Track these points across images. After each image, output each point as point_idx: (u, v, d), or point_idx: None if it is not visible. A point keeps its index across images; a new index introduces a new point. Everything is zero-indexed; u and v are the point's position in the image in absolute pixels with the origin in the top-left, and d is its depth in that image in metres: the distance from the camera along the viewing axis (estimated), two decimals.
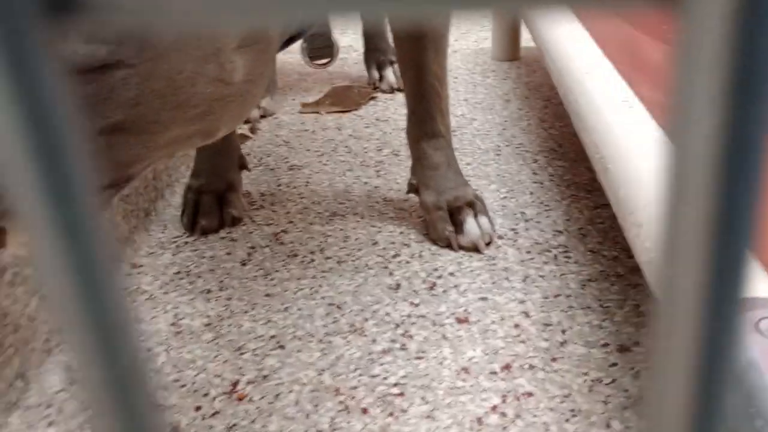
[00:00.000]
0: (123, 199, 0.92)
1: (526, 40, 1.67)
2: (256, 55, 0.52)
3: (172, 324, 0.80)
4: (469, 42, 1.78)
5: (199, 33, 0.47)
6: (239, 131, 1.23)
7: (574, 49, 0.83)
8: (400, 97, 1.43)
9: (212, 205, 0.96)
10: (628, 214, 0.52)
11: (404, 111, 1.36)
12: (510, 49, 1.61)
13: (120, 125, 0.47)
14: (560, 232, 0.93)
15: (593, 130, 0.65)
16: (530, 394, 0.67)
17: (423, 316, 0.79)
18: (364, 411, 0.66)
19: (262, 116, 1.34)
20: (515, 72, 1.54)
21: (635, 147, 0.58)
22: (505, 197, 1.02)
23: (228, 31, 0.49)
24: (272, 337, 0.77)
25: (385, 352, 0.74)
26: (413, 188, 0.95)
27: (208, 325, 0.79)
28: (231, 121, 0.54)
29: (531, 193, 1.03)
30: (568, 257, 0.88)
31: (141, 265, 0.90)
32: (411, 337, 0.76)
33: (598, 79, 0.74)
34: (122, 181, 0.52)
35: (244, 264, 0.90)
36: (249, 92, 0.53)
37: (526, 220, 0.96)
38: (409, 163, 1.13)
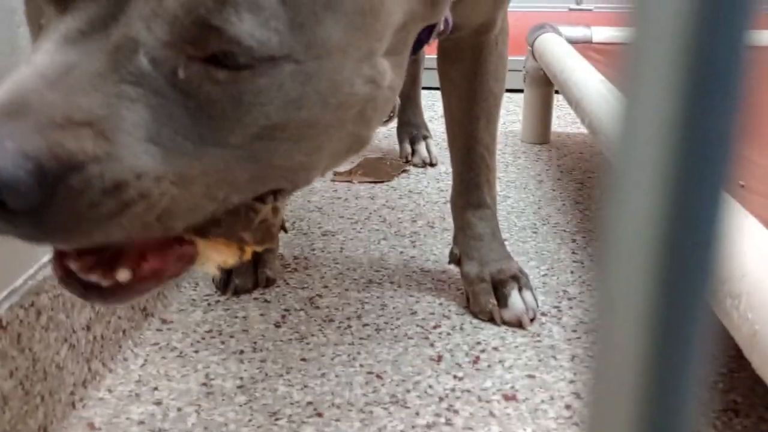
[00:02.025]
0: None
1: (555, 125, 1.68)
2: (397, 64, 0.51)
3: (203, 384, 0.76)
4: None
5: (359, 33, 0.46)
6: None
7: None
8: (432, 172, 1.42)
9: (247, 265, 0.93)
10: (719, 285, 0.49)
11: (437, 185, 1.36)
12: (541, 132, 1.61)
13: (280, 129, 0.44)
14: None
15: None
16: None
17: (468, 391, 0.75)
18: None
19: None
20: (546, 154, 1.53)
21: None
22: (545, 274, 0.99)
23: (383, 33, 0.48)
24: (309, 403, 0.73)
25: (429, 426, 0.70)
26: (455, 258, 0.93)
27: (240, 387, 0.75)
28: (376, 127, 0.52)
29: (572, 272, 1.00)
30: None
31: (171, 321, 0.87)
32: (456, 412, 0.72)
33: None
34: (284, 191, 0.49)
35: (278, 326, 0.86)
36: (390, 99, 0.51)
37: (569, 299, 0.93)
38: (445, 235, 1.11)
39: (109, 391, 0.74)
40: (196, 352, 0.81)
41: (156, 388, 0.75)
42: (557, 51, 1.33)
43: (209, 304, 0.91)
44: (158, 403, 0.73)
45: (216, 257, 0.47)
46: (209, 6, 0.39)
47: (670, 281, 0.15)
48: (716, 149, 0.14)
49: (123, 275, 0.43)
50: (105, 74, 0.40)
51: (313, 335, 0.84)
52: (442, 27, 0.65)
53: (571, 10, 1.73)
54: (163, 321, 0.87)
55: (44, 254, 0.68)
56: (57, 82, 0.39)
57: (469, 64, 0.86)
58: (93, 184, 0.38)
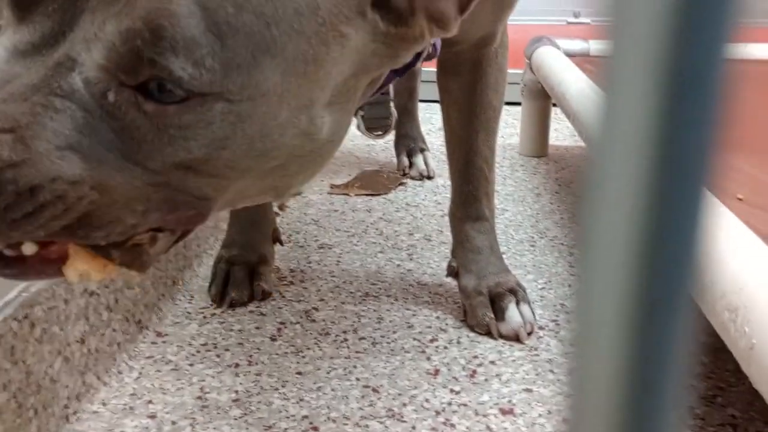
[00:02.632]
0: (153, 265, 0.88)
1: (553, 138, 1.68)
2: (341, 115, 0.50)
3: (198, 397, 0.75)
4: None
5: (299, 80, 0.45)
6: None
7: None
8: (430, 184, 1.42)
9: (243, 278, 0.93)
10: (718, 298, 0.48)
11: (434, 198, 1.36)
12: (538, 146, 1.61)
13: (198, 163, 0.44)
14: None
15: None
16: None
17: (465, 405, 0.74)
18: None
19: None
20: (544, 168, 1.53)
21: (714, 229, 0.55)
22: (543, 288, 0.99)
23: (327, 83, 0.47)
24: (305, 417, 0.72)
25: None
26: (453, 271, 0.92)
27: (236, 400, 0.75)
28: (303, 182, 0.51)
29: (570, 286, 0.99)
30: None
31: (166, 334, 0.86)
32: (453, 426, 0.71)
33: None
34: (180, 225, 0.49)
35: (274, 339, 0.86)
36: (328, 153, 0.51)
37: (567, 313, 0.92)
38: (442, 248, 1.11)
39: (104, 404, 0.74)
40: (191, 365, 0.80)
41: (150, 402, 0.74)
42: (555, 64, 1.33)
43: (204, 317, 0.90)
44: (153, 416, 0.72)
45: (79, 265, 0.46)
46: (146, 38, 0.41)
47: (650, 285, 0.15)
48: (693, 160, 0.14)
49: (29, 249, 0.45)
50: (38, 86, 0.42)
51: (309, 348, 0.84)
52: (430, 50, 0.64)
53: (569, 23, 1.73)
54: (158, 334, 0.86)
55: None
56: None
57: (469, 77, 0.86)
58: (7, 187, 0.40)
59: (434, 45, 0.65)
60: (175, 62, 0.41)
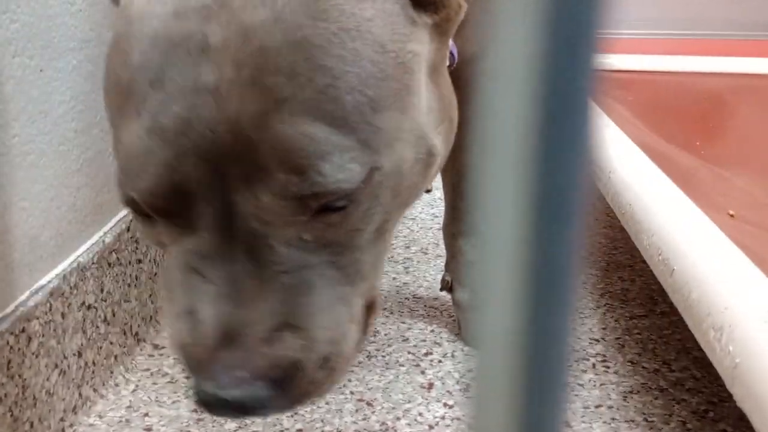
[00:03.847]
0: (151, 277, 0.89)
1: None
2: (447, 134, 0.54)
3: (194, 410, 0.76)
4: None
5: (406, 115, 0.49)
6: None
7: (620, 153, 0.83)
8: (427, 198, 1.42)
9: None
10: (704, 316, 0.49)
11: (431, 211, 1.36)
12: None
13: (372, 236, 0.49)
14: (597, 340, 0.90)
15: (652, 232, 0.63)
16: None
17: (459, 419, 0.75)
18: None
19: None
20: None
21: (702, 246, 0.56)
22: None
23: (424, 103, 0.51)
24: (299, 431, 0.73)
25: None
26: (447, 285, 0.93)
27: None
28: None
29: None
30: (607, 367, 0.84)
31: (163, 347, 0.87)
32: None
33: (650, 182, 0.72)
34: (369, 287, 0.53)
35: None
36: (438, 167, 0.55)
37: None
38: (438, 262, 1.11)
39: (100, 417, 0.75)
40: (188, 378, 0.81)
41: (147, 414, 0.75)
42: None
43: None
44: (149, 429, 0.73)
45: None
46: (298, 183, 0.43)
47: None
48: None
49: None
50: (257, 273, 0.45)
51: None
52: (448, 61, 0.66)
53: None
54: (155, 346, 0.87)
55: (34, 281, 0.68)
56: (231, 298, 0.45)
57: (462, 93, 0.87)
58: (308, 368, 0.46)
59: (452, 54, 0.67)
60: (327, 182, 0.44)
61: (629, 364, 0.85)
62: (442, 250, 1.04)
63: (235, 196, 0.45)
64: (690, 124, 1.06)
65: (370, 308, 0.53)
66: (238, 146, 0.44)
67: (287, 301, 0.46)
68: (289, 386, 0.45)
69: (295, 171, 0.43)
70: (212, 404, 0.44)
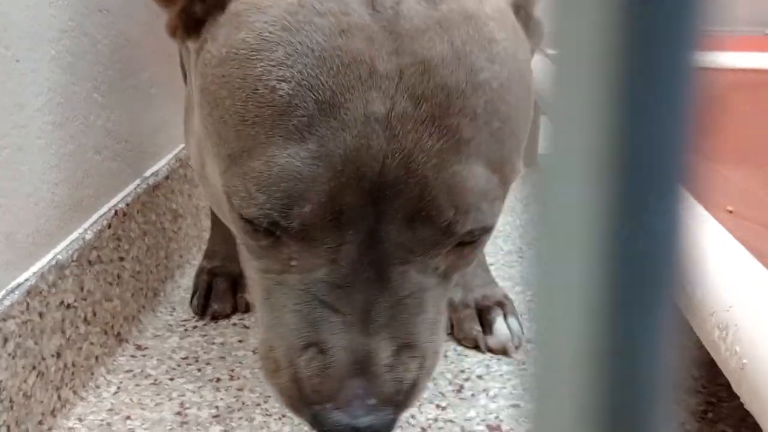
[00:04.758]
0: (133, 276, 0.87)
1: (543, 147, 1.66)
2: None
3: (178, 413, 0.73)
4: None
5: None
6: None
7: None
8: None
9: (226, 289, 0.91)
10: (707, 315, 0.47)
11: None
12: (528, 155, 1.60)
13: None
14: None
15: None
16: None
17: (451, 421, 0.73)
18: None
19: None
20: (533, 178, 1.52)
21: (704, 243, 0.54)
22: (531, 300, 0.97)
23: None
24: None
25: None
26: None
27: (216, 416, 0.73)
28: None
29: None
30: None
31: (146, 348, 0.84)
32: None
33: None
34: None
35: (257, 353, 0.84)
36: None
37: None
38: None
39: (80, 420, 0.72)
40: (171, 379, 0.79)
41: (129, 417, 0.72)
42: (544, 72, 1.32)
43: (186, 330, 0.88)
44: None
45: None
46: (460, 221, 0.45)
47: (621, 290, 0.14)
48: (659, 161, 0.13)
49: None
50: (385, 300, 0.47)
51: None
52: None
53: None
54: (138, 347, 0.84)
55: (11, 280, 0.66)
56: (360, 327, 0.46)
57: None
58: (422, 384, 0.50)
59: None
60: (483, 218, 0.46)
61: None
62: None
63: (389, 226, 0.45)
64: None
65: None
66: (409, 180, 0.44)
67: (407, 322, 0.48)
68: (407, 403, 0.49)
69: (462, 210, 0.45)
70: None
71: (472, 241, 0.48)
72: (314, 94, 0.43)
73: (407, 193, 0.44)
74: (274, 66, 0.44)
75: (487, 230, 0.48)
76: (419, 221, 0.45)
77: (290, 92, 0.43)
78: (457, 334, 0.87)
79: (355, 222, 0.45)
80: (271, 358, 0.50)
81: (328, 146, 0.43)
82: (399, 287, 0.47)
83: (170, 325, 0.89)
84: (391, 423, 0.47)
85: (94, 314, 0.78)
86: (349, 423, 0.45)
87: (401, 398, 0.48)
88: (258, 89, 0.44)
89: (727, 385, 0.77)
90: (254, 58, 0.45)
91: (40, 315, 0.68)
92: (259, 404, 0.75)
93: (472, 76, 0.45)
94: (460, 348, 0.86)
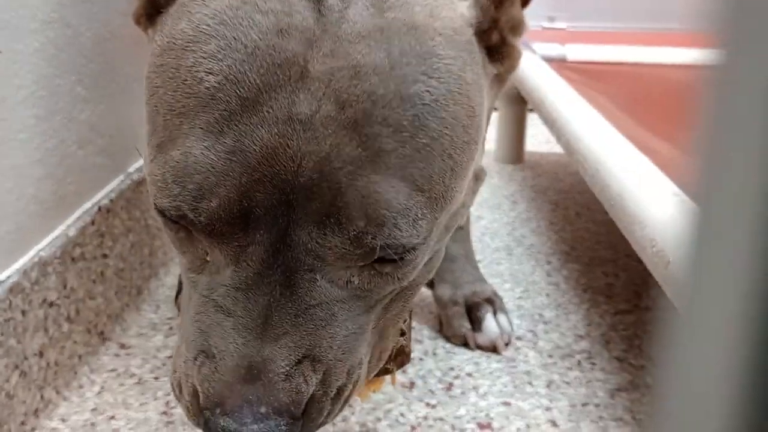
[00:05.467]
0: (117, 273, 0.85)
1: (528, 144, 1.66)
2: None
3: (163, 413, 0.72)
4: None
5: (470, 165, 0.50)
6: None
7: (608, 146, 0.80)
8: None
9: None
10: None
11: None
12: (515, 152, 1.59)
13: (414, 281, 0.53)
14: (582, 336, 0.88)
15: (645, 224, 0.61)
16: None
17: (441, 419, 0.72)
18: None
19: None
20: (520, 174, 1.52)
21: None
22: (520, 297, 0.97)
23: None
24: None
25: None
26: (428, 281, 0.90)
27: None
28: None
29: (547, 295, 0.98)
30: (593, 364, 0.82)
31: (130, 346, 0.83)
32: None
33: (640, 174, 0.70)
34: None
35: None
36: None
37: (545, 323, 0.90)
38: None
39: (63, 420, 0.70)
40: (156, 378, 0.77)
41: (113, 417, 0.71)
42: (531, 68, 1.31)
43: (171, 328, 0.87)
44: None
45: (368, 390, 0.60)
46: (372, 232, 0.43)
47: None
48: None
49: None
50: (290, 306, 0.45)
51: None
52: None
53: (544, 28, 1.72)
54: (122, 346, 0.83)
55: None
56: (257, 332, 0.45)
57: None
58: (323, 400, 0.47)
59: None
60: (400, 236, 0.44)
61: (616, 360, 0.83)
62: None
63: (299, 230, 0.44)
64: (678, 115, 1.04)
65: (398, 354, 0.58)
66: (323, 184, 0.43)
67: (312, 333, 0.46)
68: (306, 418, 0.47)
69: (375, 222, 0.43)
70: None
71: (393, 260, 0.46)
72: (239, 90, 0.42)
73: (320, 198, 0.43)
74: (205, 58, 0.43)
75: (408, 250, 0.45)
76: (329, 228, 0.43)
77: (216, 85, 0.42)
78: (446, 331, 0.86)
79: (265, 222, 0.43)
80: (176, 377, 0.49)
81: (244, 142, 0.42)
82: (305, 295, 0.45)
83: (155, 323, 0.88)
84: None
85: (78, 312, 0.76)
86: (236, 429, 0.44)
87: (297, 410, 0.45)
88: (187, 80, 0.44)
89: None
90: (188, 49, 0.44)
91: (23, 313, 0.67)
92: None
93: (403, 87, 0.43)
94: (449, 345, 0.85)
